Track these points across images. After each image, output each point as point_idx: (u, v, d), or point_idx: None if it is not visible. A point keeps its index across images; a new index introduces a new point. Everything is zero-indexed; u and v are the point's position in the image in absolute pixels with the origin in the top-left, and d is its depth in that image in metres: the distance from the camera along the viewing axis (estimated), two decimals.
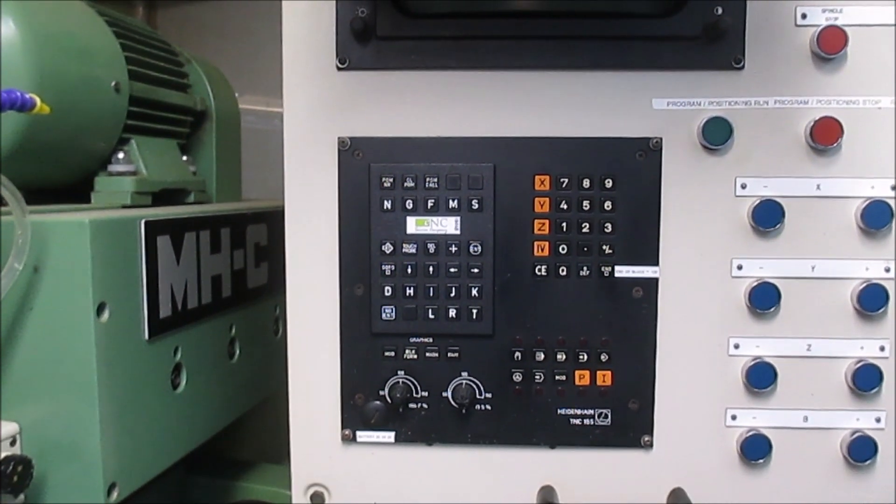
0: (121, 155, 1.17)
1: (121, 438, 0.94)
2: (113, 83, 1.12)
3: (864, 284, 0.87)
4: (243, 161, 1.55)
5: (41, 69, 0.98)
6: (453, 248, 0.87)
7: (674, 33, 0.85)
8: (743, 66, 0.86)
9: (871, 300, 0.87)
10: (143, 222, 0.96)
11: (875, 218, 0.86)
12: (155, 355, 1.01)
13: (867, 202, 0.86)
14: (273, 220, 1.33)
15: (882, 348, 0.88)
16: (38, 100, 0.84)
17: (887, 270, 0.87)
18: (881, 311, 0.87)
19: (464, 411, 0.90)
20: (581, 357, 0.89)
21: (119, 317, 0.92)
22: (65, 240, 0.87)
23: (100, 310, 0.89)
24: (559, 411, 0.90)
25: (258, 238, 1.31)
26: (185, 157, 1.35)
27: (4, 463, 0.84)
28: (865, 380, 0.88)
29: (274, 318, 1.40)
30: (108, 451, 0.91)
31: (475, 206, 0.87)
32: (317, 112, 0.88)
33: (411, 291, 0.88)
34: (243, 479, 1.38)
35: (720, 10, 0.84)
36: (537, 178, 0.87)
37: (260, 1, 2.00)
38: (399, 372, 0.90)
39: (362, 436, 0.91)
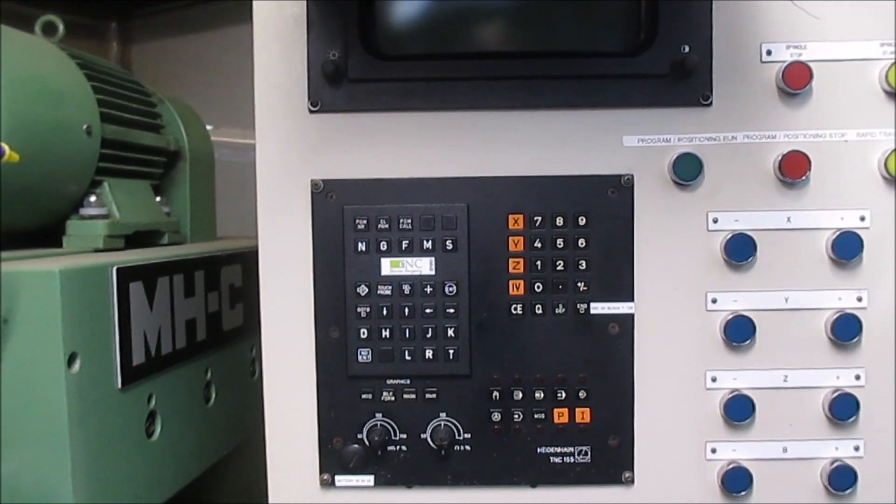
0: (93, 198, 1.16)
1: (94, 489, 0.92)
2: (84, 126, 1.11)
3: (838, 314, 0.88)
4: (219, 194, 1.54)
5: (12, 114, 0.97)
6: (428, 289, 0.87)
7: (642, 72, 0.86)
8: (711, 103, 0.87)
9: (844, 330, 0.87)
10: (114, 269, 0.95)
11: (846, 249, 0.87)
12: (128, 404, 0.99)
13: (837, 233, 0.87)
14: (247, 260, 1.32)
15: (857, 377, 0.89)
16: (7, 148, 0.83)
17: (859, 300, 0.88)
18: (855, 340, 0.88)
19: (443, 452, 0.89)
20: (559, 395, 0.89)
21: (91, 366, 0.90)
22: (34, 290, 0.86)
23: (71, 360, 0.87)
24: (539, 450, 0.89)
25: (233, 279, 1.30)
26: (158, 198, 1.34)
27: None
28: (843, 409, 0.88)
29: (250, 359, 1.38)
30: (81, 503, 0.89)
31: (449, 246, 0.87)
32: (289, 154, 0.88)
33: (387, 333, 0.88)
34: None
35: (687, 48, 0.86)
36: (511, 216, 0.87)
37: (235, 34, 2.00)
38: (377, 414, 0.89)
39: (341, 480, 0.90)
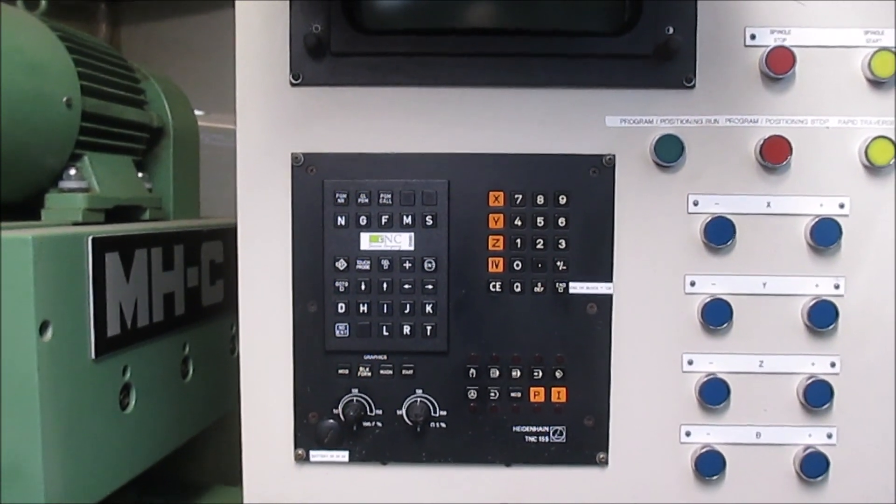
0: (72, 171, 1.15)
1: (65, 460, 0.91)
2: (65, 98, 1.10)
3: (815, 301, 0.88)
4: (211, 179, 1.52)
5: None
6: (407, 265, 0.87)
7: (626, 52, 0.86)
8: (694, 85, 0.87)
9: (821, 317, 0.88)
10: (90, 239, 0.94)
11: (824, 235, 0.87)
12: (102, 375, 0.98)
13: (816, 220, 0.87)
14: (229, 236, 1.30)
15: (832, 364, 0.89)
16: None
17: (837, 287, 0.88)
18: (831, 327, 0.88)
19: (418, 429, 0.89)
20: (536, 374, 0.89)
21: (63, 336, 0.90)
22: (6, 257, 0.84)
23: (42, 328, 0.86)
24: (514, 429, 0.89)
25: (214, 255, 1.29)
26: (140, 174, 1.33)
27: None
28: (817, 396, 0.88)
29: (230, 336, 1.37)
30: (51, 474, 0.88)
31: (429, 222, 0.87)
32: (270, 128, 0.87)
33: (365, 308, 0.87)
34: (197, 502, 1.35)
35: (671, 30, 0.85)
36: (491, 194, 0.87)
37: (226, 18, 1.98)
38: (353, 390, 0.89)
39: (316, 455, 0.90)
